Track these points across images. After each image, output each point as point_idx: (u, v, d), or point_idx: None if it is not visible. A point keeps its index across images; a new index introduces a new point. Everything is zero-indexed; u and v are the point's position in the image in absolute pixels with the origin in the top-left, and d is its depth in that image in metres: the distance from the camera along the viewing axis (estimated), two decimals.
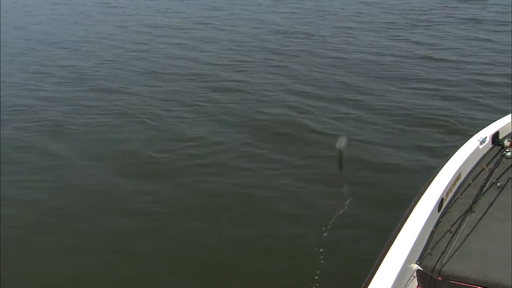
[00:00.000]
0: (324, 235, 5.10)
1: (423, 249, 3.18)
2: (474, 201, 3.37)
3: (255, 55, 12.11)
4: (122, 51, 13.68)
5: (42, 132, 8.47)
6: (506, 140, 3.72)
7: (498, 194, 3.42)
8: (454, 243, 3.15)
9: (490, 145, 3.87)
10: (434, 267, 3.02)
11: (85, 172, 7.01)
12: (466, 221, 3.28)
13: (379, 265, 2.95)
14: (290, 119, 8.17)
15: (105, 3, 22.10)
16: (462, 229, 3.23)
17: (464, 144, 3.80)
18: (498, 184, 3.49)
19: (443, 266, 3.01)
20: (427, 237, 3.24)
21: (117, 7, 21.14)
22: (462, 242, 3.14)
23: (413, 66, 10.42)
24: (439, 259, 3.06)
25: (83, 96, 10.21)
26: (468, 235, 3.19)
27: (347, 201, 5.43)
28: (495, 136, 3.88)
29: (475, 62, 10.27)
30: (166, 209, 5.98)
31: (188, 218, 5.77)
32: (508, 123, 4.03)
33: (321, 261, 4.71)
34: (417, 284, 3.13)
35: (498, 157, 3.65)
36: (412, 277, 3.05)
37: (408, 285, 3.02)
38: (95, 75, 11.51)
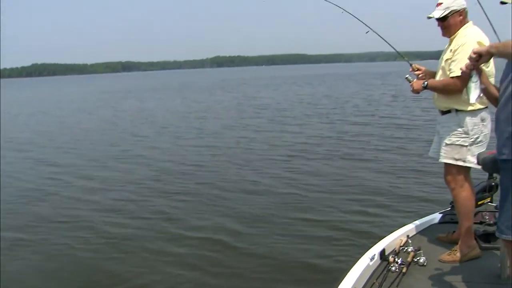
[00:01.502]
0: None
1: None
2: None
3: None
4: None
5: None
6: (390, 256, 4.17)
7: None
8: None
9: (379, 261, 4.26)
10: None
11: None
12: None
13: None
14: None
15: None
16: None
17: (358, 262, 4.22)
18: None
19: None
20: None
21: None
22: None
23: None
24: None
25: None
26: None
27: None
28: (382, 253, 4.29)
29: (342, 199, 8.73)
30: None
31: None
32: (392, 241, 4.49)
33: None
34: None
35: (385, 271, 4.05)
36: None
37: None
38: None
